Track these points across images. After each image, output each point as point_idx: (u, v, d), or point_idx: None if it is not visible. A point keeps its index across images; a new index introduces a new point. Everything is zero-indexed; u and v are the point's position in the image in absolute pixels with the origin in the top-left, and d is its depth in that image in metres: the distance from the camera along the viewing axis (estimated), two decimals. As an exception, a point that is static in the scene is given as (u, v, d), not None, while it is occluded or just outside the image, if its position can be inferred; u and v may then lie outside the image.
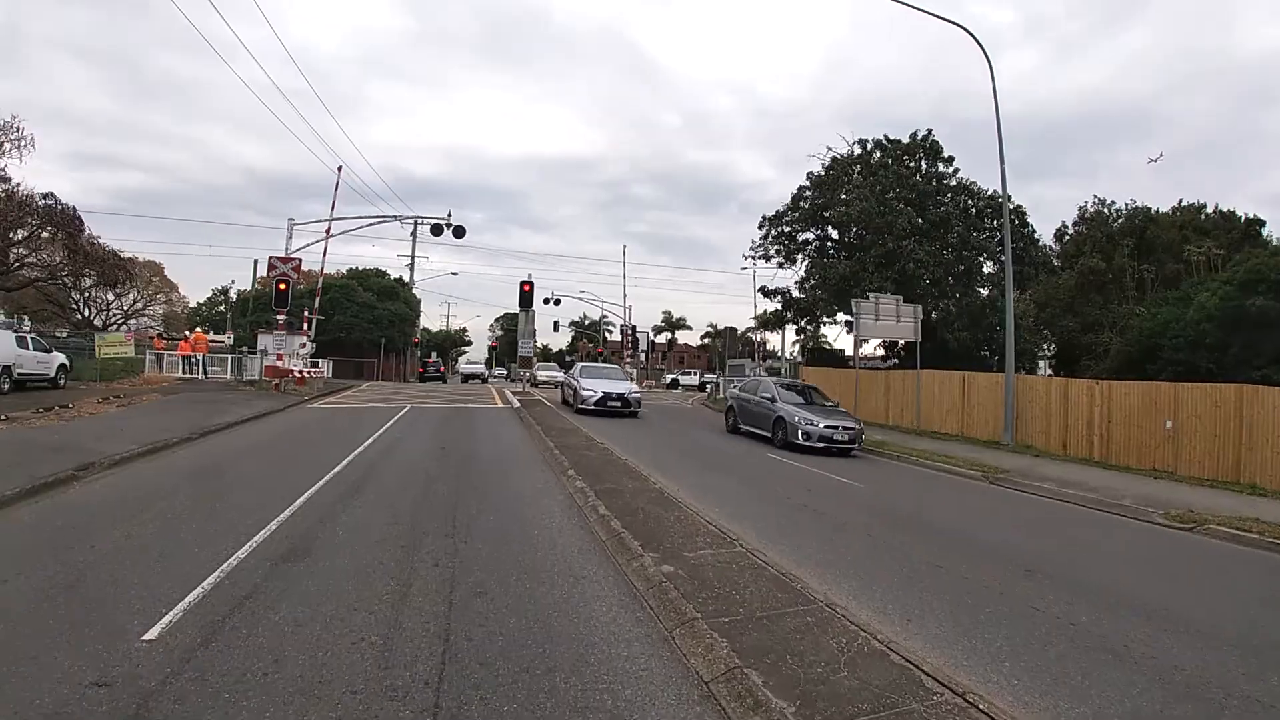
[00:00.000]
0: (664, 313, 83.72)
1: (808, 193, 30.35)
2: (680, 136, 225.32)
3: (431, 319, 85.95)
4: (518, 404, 21.16)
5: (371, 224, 24.13)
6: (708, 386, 39.66)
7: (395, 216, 24.62)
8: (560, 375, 34.35)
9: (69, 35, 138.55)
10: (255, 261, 45.52)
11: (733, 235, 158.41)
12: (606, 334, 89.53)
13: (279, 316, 23.21)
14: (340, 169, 23.34)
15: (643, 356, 61.71)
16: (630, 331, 47.02)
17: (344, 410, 18.87)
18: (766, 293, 32.11)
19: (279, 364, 23.01)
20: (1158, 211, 32.80)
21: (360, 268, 45.19)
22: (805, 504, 9.11)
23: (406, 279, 50.09)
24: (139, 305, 60.67)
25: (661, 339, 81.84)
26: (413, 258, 50.20)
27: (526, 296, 24.54)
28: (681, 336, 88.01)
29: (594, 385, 20.17)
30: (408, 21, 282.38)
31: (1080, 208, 36.74)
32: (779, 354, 74.11)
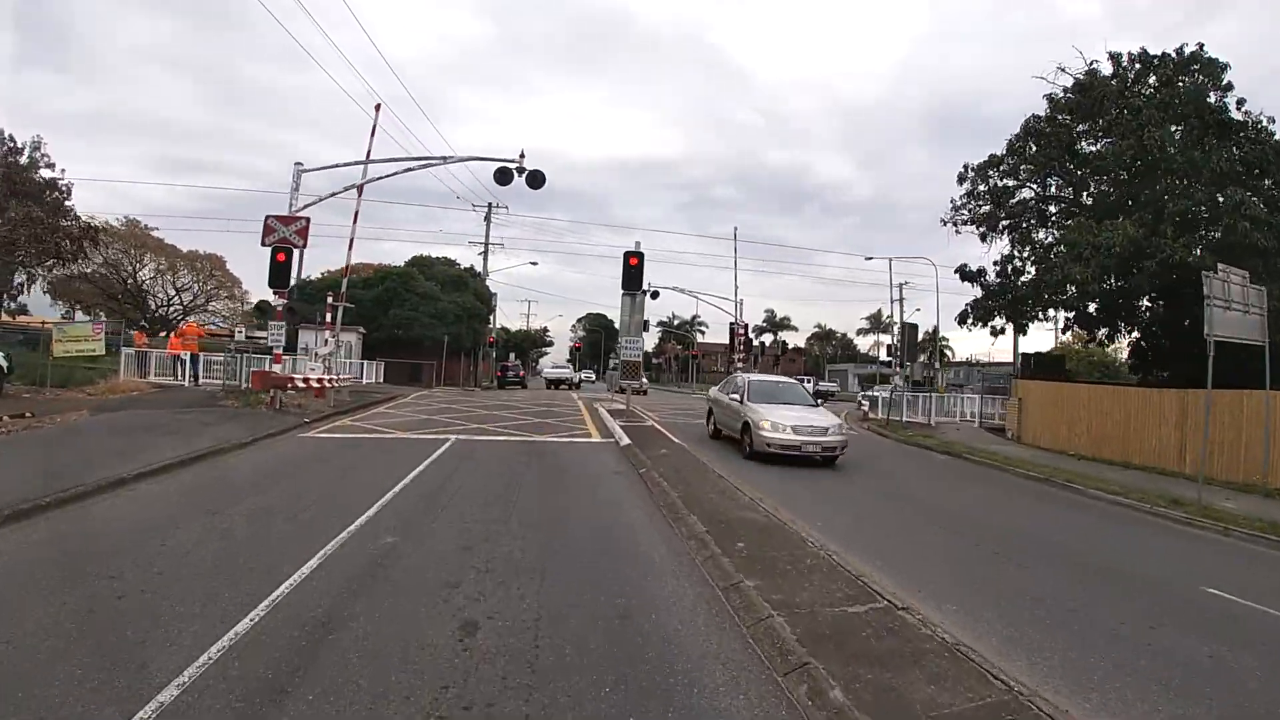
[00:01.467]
0: (766, 311, 74.31)
1: (1041, 126, 20.77)
2: (761, 137, 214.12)
3: (509, 318, 79.96)
4: (623, 437, 12.91)
5: (411, 169, 16.14)
6: (860, 400, 29.97)
7: (445, 158, 16.94)
8: (824, 427, 12.34)
9: (158, 45, 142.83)
10: (301, 249, 39.51)
11: (814, 236, 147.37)
12: (699, 334, 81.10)
13: (277, 300, 15.92)
14: (379, 107, 15.76)
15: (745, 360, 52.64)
16: (743, 330, 38.23)
17: (343, 448, 11.13)
18: (967, 275, 22.70)
19: (275, 370, 15.72)
20: None
21: (424, 253, 38.41)
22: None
23: (479, 269, 43.21)
24: (199, 300, 57.06)
25: (763, 340, 72.48)
26: (486, 244, 43.31)
27: (633, 274, 16.34)
28: (780, 339, 78.40)
29: None
30: (489, 28, 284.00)
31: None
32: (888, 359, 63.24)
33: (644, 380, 25.98)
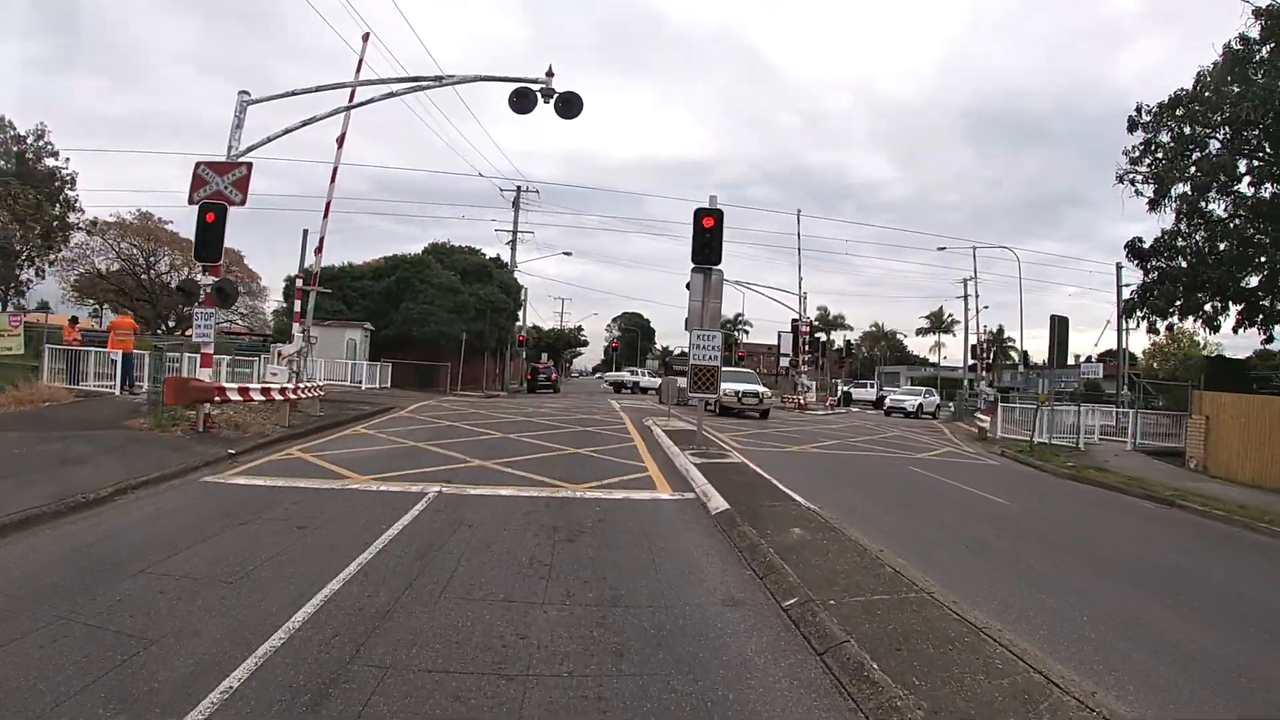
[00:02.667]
0: (819, 309, 68.34)
1: (1252, 50, 15.14)
2: (797, 137, 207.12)
3: (542, 319, 75.81)
4: (711, 491, 7.98)
5: (395, 94, 11.36)
6: (976, 415, 24.36)
7: (439, 79, 12.09)
8: None
9: (194, 49, 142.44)
10: (305, 232, 35.26)
11: (851, 235, 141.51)
12: (743, 334, 75.49)
13: (204, 277, 11.39)
14: (366, 37, 10.92)
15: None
16: (807, 328, 32.99)
17: (243, 517, 6.34)
18: (1139, 253, 17.21)
19: (200, 379, 11.20)
20: None
21: (445, 240, 33.80)
22: None
23: (506, 260, 38.67)
24: (217, 296, 53.63)
25: (818, 339, 66.59)
26: (514, 231, 38.76)
27: (708, 241, 11.17)
28: (845, 339, 72.56)
29: None
30: (526, 30, 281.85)
31: None
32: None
33: (763, 391, 19.01)
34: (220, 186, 11.55)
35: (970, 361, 62.51)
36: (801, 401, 29.57)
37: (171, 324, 50.45)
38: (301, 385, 13.30)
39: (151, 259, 53.77)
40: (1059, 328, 17.23)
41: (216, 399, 10.76)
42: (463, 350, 27.53)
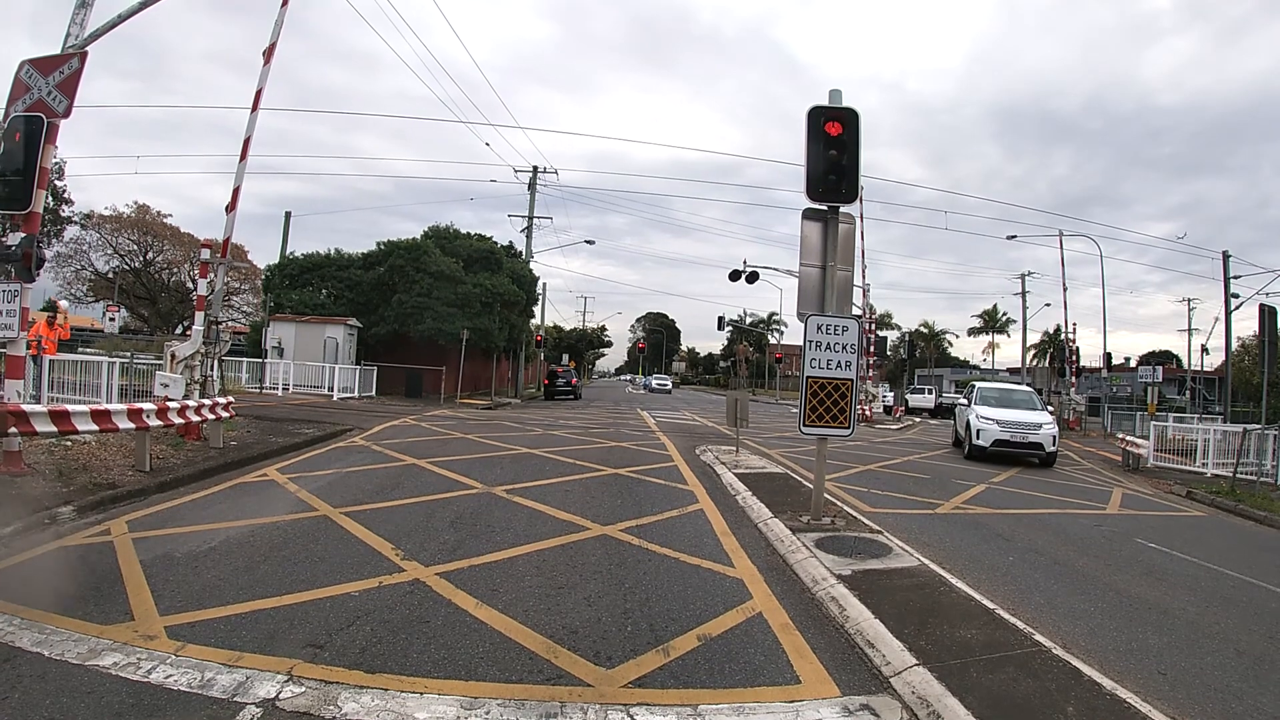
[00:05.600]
0: (868, 306, 63.13)
1: None
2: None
3: (564, 321, 71.69)
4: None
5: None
6: (1123, 438, 19.23)
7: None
8: None
9: (224, 50, 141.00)
10: (287, 214, 31.35)
11: (878, 235, 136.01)
12: (777, 334, 70.49)
13: (13, 238, 7.11)
14: None
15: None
16: (871, 327, 28.23)
17: None
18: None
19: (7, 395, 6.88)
20: None
21: (444, 225, 29.40)
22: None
23: (520, 249, 34.35)
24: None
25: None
26: (530, 217, 34.51)
27: (834, 161, 6.36)
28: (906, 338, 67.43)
29: None
30: (554, 29, 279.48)
31: None
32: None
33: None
34: (42, 93, 7.32)
35: (1028, 364, 57.01)
36: (868, 413, 24.85)
37: (179, 328, 47.00)
38: (207, 403, 9.00)
39: (150, 254, 50.47)
40: (1269, 319, 12.39)
41: (13, 430, 6.48)
42: (463, 351, 23.22)
